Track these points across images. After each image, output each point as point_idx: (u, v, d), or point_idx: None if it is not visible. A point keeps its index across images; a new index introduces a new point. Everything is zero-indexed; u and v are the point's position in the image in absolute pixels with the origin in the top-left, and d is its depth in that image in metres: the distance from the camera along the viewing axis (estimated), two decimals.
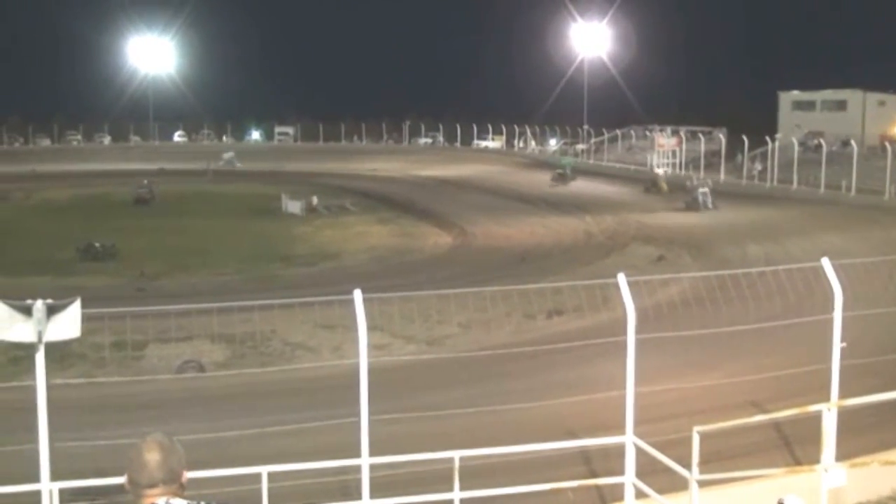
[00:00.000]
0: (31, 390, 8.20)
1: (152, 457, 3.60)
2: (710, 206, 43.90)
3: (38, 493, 8.34)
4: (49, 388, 8.17)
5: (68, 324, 7.99)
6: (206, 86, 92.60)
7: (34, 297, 7.97)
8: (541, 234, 39.94)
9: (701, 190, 45.08)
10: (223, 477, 8.28)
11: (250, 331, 19.86)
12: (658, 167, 57.44)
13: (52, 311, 7.92)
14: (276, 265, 35.33)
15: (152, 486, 3.58)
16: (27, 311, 7.87)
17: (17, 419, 9.50)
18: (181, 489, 3.65)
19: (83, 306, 8.01)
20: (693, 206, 44.23)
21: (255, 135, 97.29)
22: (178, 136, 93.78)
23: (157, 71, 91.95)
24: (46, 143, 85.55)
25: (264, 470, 8.59)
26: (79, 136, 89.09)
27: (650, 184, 52.62)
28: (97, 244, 36.36)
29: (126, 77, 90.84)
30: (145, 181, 57.88)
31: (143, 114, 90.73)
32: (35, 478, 8.31)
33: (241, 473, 8.62)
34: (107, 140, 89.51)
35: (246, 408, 15.03)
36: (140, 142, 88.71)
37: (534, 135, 78.68)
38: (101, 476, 8.33)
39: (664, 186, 51.36)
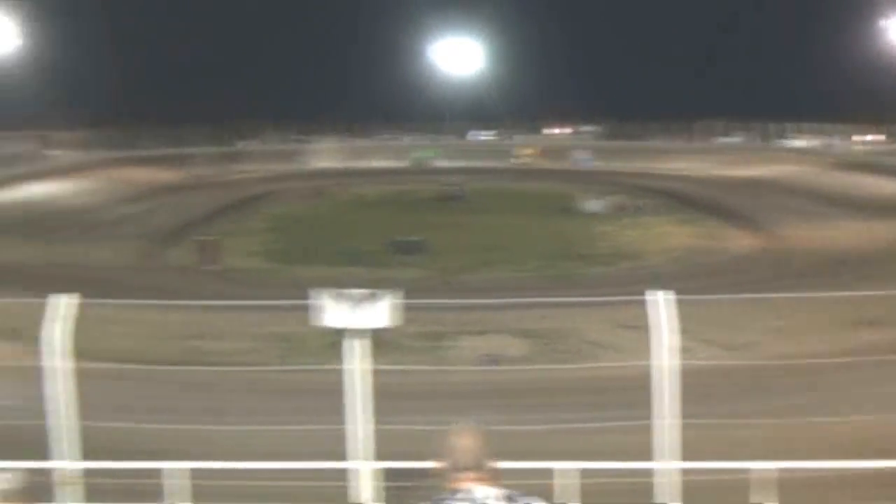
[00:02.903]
0: (345, 373, 8.74)
1: (469, 444, 3.82)
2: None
3: (343, 472, 8.86)
4: (363, 372, 8.69)
5: (382, 313, 8.47)
6: (508, 85, 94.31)
7: (350, 287, 8.52)
8: (857, 239, 37.57)
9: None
10: (517, 469, 8.43)
11: (549, 327, 20.13)
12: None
13: (368, 300, 8.43)
14: (576, 263, 35.52)
15: (467, 470, 3.80)
16: (345, 300, 8.42)
17: (329, 400, 10.11)
18: (489, 476, 3.83)
19: (395, 297, 8.46)
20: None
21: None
22: (479, 135, 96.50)
23: (459, 72, 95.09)
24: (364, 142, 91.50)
25: (565, 465, 8.65)
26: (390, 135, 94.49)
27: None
28: (407, 238, 38.17)
29: (428, 77, 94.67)
30: (455, 179, 60.04)
31: (442, 114, 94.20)
32: (341, 456, 8.83)
33: (536, 468, 8.74)
34: (409, 139, 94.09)
35: (542, 403, 15.27)
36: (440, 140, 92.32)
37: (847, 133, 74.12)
38: (407, 459, 8.74)
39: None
